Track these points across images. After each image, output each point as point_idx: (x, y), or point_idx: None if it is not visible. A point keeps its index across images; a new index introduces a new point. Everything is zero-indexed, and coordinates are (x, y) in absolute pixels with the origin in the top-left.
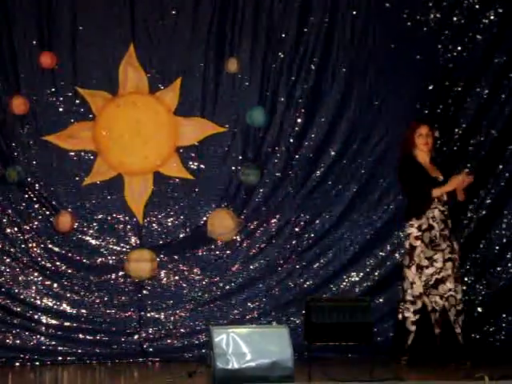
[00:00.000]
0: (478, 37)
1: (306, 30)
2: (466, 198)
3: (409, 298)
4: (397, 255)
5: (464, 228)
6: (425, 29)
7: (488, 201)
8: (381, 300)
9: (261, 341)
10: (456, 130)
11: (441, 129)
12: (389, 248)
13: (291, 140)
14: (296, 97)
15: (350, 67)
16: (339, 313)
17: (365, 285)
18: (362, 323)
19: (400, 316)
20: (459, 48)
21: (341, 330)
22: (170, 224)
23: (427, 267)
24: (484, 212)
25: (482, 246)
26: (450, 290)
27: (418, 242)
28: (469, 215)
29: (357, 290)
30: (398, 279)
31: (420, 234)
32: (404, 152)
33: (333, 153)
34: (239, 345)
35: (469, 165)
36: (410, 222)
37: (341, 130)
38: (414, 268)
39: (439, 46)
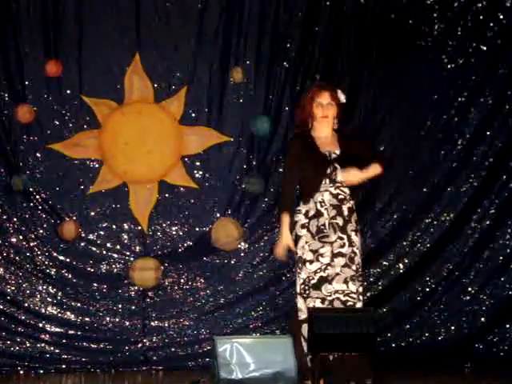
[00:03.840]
0: (482, 47)
1: (310, 40)
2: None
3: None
4: (401, 265)
5: (468, 238)
6: (429, 39)
7: (492, 211)
8: (384, 310)
9: (264, 351)
10: (460, 141)
11: (445, 138)
12: (392, 257)
13: None
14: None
15: (354, 77)
16: (342, 323)
17: (368, 294)
18: (366, 334)
19: None
20: (463, 58)
21: (344, 340)
22: (174, 233)
23: (311, 262)
24: (488, 222)
25: (485, 255)
26: (336, 291)
27: (304, 231)
28: (473, 225)
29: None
30: (402, 289)
31: (307, 221)
32: (299, 124)
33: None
34: (243, 355)
35: (472, 175)
36: (297, 208)
37: None
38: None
39: (443, 57)
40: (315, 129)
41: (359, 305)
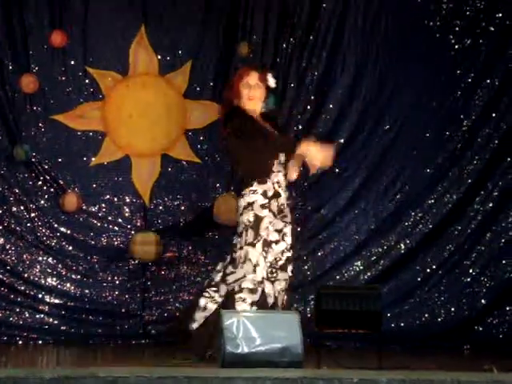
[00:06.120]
0: (491, 28)
1: (317, 16)
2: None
3: (248, 285)
4: (402, 245)
5: (470, 220)
6: (437, 19)
7: (495, 193)
8: (384, 290)
9: (270, 326)
10: (465, 122)
11: (450, 119)
12: (394, 237)
13: (300, 126)
14: (306, 83)
15: (361, 54)
16: (350, 300)
17: (369, 274)
18: (372, 312)
19: (214, 304)
20: (471, 39)
21: (351, 317)
22: (176, 207)
23: (277, 242)
24: (491, 204)
25: (487, 238)
26: (292, 272)
27: (266, 212)
28: (475, 207)
29: (361, 278)
30: (402, 269)
31: (267, 201)
32: (228, 103)
33: (341, 140)
34: (249, 329)
35: (476, 157)
36: (251, 189)
37: (350, 118)
38: (259, 245)
39: (451, 37)
40: (244, 107)
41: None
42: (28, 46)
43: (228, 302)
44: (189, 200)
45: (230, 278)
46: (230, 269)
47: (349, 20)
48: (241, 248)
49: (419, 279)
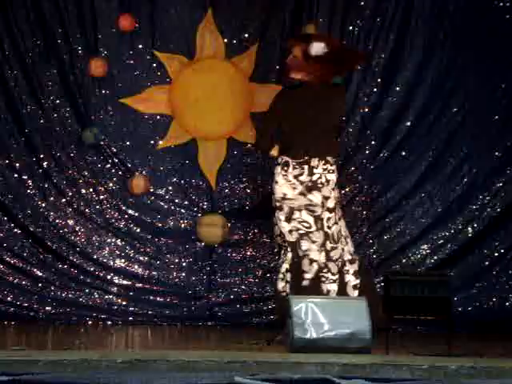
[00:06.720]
0: None
1: None
2: None
3: (347, 257)
4: (469, 228)
5: None
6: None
7: None
8: (451, 274)
9: (339, 311)
10: None
11: None
12: (461, 221)
13: (366, 109)
14: (373, 65)
15: (428, 37)
16: (419, 287)
17: (436, 258)
18: (442, 298)
19: (333, 283)
20: None
21: (420, 303)
22: (241, 190)
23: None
24: None
25: None
26: None
27: (337, 192)
28: None
29: (428, 262)
30: (470, 253)
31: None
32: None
33: (408, 123)
34: (317, 314)
35: None
36: (330, 167)
37: (417, 101)
38: (343, 220)
39: None
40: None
41: None
42: (97, 29)
43: (340, 278)
44: (254, 183)
45: (335, 254)
46: (329, 245)
47: (416, 2)
48: (336, 223)
49: (487, 263)
